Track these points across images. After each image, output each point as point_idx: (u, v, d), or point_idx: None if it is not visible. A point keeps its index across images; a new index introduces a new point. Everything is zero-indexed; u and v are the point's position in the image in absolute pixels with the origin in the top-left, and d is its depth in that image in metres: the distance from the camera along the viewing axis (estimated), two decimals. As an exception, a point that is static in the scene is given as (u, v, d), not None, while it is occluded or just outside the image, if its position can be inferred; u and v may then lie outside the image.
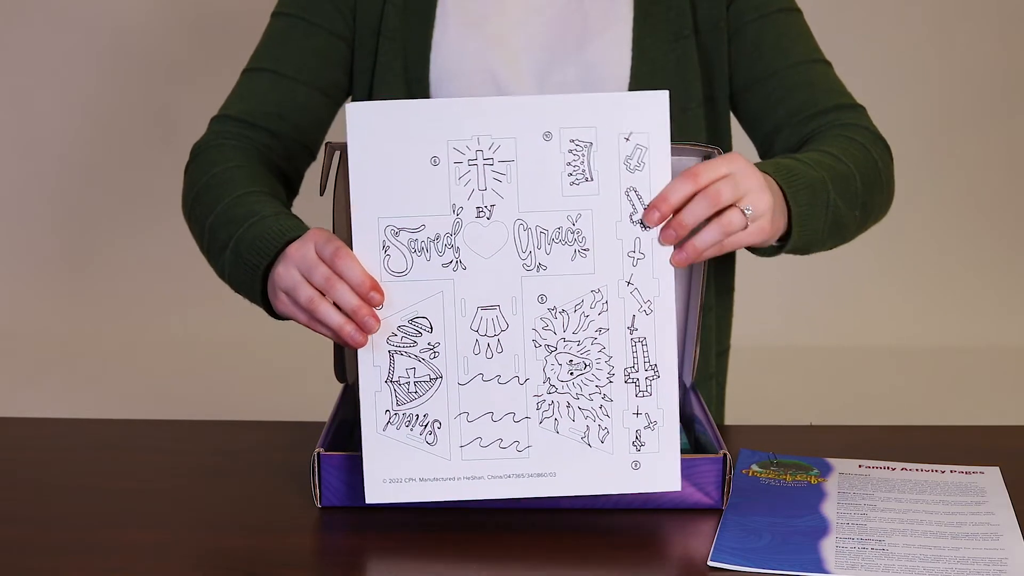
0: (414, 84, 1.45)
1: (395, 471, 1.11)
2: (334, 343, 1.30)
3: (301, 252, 1.15)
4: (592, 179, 1.11)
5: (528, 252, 1.11)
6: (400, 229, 1.11)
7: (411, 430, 1.11)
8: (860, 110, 1.46)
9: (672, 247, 1.11)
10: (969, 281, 3.71)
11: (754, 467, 1.27)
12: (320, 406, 1.38)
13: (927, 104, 3.61)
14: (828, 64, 1.48)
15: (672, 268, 1.12)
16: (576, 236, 1.11)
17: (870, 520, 1.15)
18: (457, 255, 1.11)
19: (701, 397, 1.32)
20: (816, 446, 1.32)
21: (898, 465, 1.28)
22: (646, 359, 1.12)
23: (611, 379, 1.12)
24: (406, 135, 1.11)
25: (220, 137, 1.43)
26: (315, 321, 1.14)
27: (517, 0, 1.47)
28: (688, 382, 1.35)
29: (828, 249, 1.36)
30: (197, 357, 3.51)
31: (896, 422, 1.48)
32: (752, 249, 1.27)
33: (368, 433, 1.12)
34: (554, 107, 1.11)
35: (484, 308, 1.11)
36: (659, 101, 1.11)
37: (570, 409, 1.12)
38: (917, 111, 3.55)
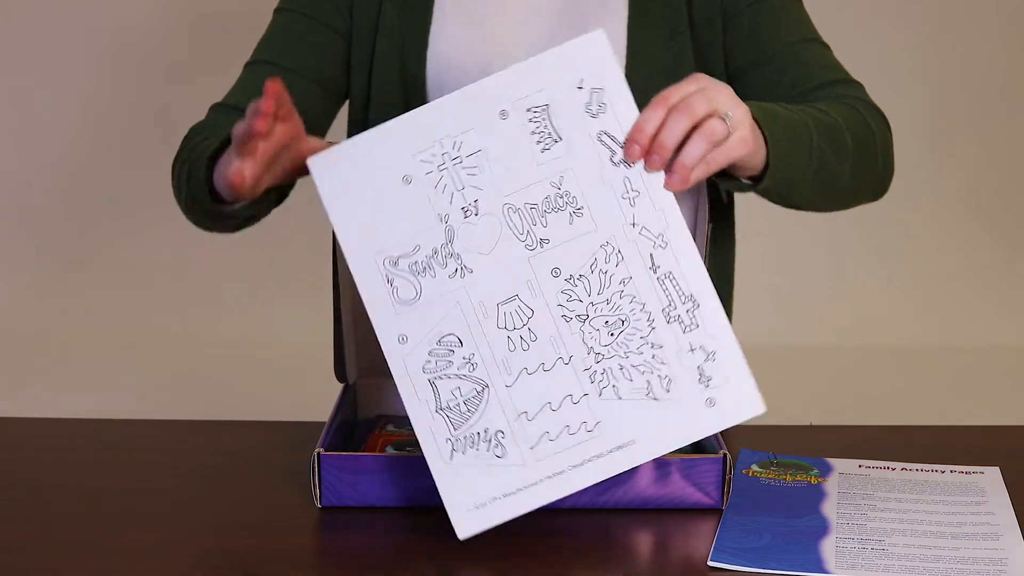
0: (411, 81, 1.46)
1: (476, 497, 1.07)
2: (334, 343, 1.30)
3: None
4: (560, 138, 1.09)
5: (525, 232, 1.10)
6: (397, 257, 1.10)
7: (477, 450, 1.08)
8: (857, 85, 1.43)
9: (663, 174, 1.09)
10: (969, 281, 3.71)
11: (754, 467, 1.27)
12: (320, 406, 1.38)
13: (927, 104, 3.61)
14: (826, 46, 1.46)
15: (672, 195, 1.09)
16: (566, 199, 1.09)
17: (870, 520, 1.15)
18: (459, 262, 1.10)
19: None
20: (816, 446, 1.32)
21: (898, 465, 1.28)
22: (679, 292, 1.08)
23: (653, 325, 1.08)
24: (371, 166, 1.10)
25: (213, 121, 1.45)
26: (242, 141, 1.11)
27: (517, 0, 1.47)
28: None
29: (817, 205, 1.32)
30: (197, 357, 3.50)
31: (896, 422, 1.48)
32: (726, 181, 1.21)
33: (436, 467, 1.08)
34: (499, 85, 1.10)
35: (503, 303, 1.09)
36: (597, 41, 1.10)
37: (624, 371, 1.08)
38: (917, 111, 3.55)
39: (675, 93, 1.09)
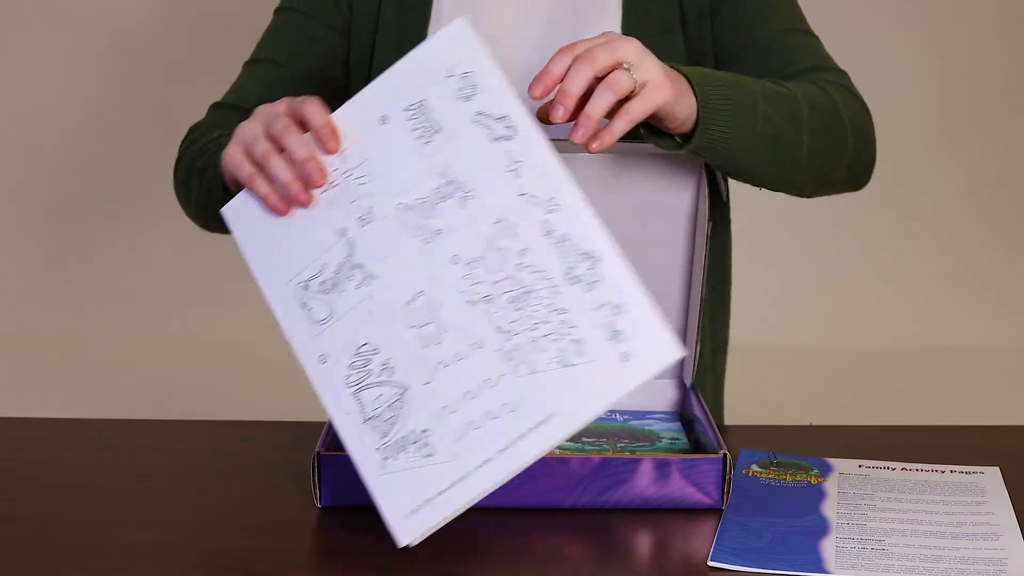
0: None
1: (411, 500, 1.05)
2: None
3: (270, 107, 1.15)
4: (440, 128, 1.10)
5: (420, 227, 1.09)
6: (308, 280, 1.11)
7: (407, 453, 1.07)
8: (842, 73, 1.40)
9: (544, 142, 1.07)
10: (969, 281, 3.71)
11: (754, 467, 1.27)
12: (320, 406, 1.38)
13: (927, 104, 3.61)
14: (815, 37, 1.45)
15: (557, 156, 1.07)
16: (454, 186, 1.09)
17: (870, 520, 1.15)
18: (363, 271, 1.10)
19: (700, 395, 1.32)
20: (816, 446, 1.32)
21: (898, 465, 1.28)
22: (577, 252, 1.05)
23: (556, 291, 1.05)
24: None
25: (214, 120, 1.46)
26: (260, 177, 1.12)
27: (513, -1, 1.47)
28: (688, 382, 1.35)
29: (777, 181, 1.30)
30: (197, 357, 3.51)
31: (896, 422, 1.48)
32: (659, 138, 1.20)
33: (371, 479, 1.07)
34: (374, 93, 1.12)
35: (410, 302, 1.08)
36: (459, 29, 1.10)
37: (535, 343, 1.05)
38: (917, 111, 3.55)
39: (583, 43, 1.09)
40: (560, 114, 1.08)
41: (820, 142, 1.28)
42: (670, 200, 1.35)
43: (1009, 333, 3.65)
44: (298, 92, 1.44)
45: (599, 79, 1.09)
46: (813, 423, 1.45)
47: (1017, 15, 3.64)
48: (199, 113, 1.50)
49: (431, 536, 1.10)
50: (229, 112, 1.46)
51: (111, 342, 3.56)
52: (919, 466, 1.28)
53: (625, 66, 1.09)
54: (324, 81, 1.49)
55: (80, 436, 1.37)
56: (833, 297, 3.68)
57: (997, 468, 1.27)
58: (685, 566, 1.08)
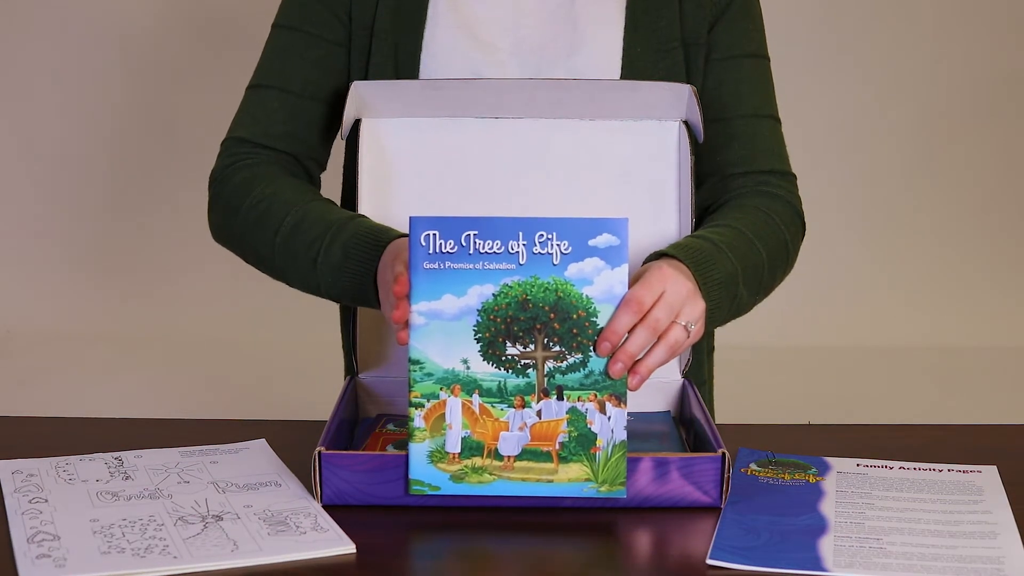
0: None
1: None
2: (351, 339, 1.34)
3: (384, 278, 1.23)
4: None
5: None
6: None
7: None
8: (791, 179, 1.49)
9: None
10: (969, 281, 3.72)
11: (752, 466, 1.27)
12: (320, 406, 1.38)
13: (929, 104, 3.61)
14: (777, 121, 1.51)
15: None
16: None
17: (868, 519, 1.15)
18: None
19: (698, 393, 1.33)
20: (814, 445, 1.33)
21: (896, 464, 1.28)
22: None
23: None
24: None
25: (240, 159, 1.45)
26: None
27: (507, 2, 1.46)
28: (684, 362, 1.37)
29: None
30: (197, 357, 3.51)
31: (894, 421, 1.48)
32: None
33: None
34: None
35: None
36: None
37: None
38: (919, 111, 3.55)
39: (645, 299, 1.14)
40: (619, 369, 1.13)
41: (766, 294, 1.39)
42: (656, 169, 1.39)
43: (1009, 333, 3.66)
44: (310, 120, 1.46)
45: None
46: (811, 422, 1.46)
47: (1018, 15, 3.65)
48: (201, 116, 1.50)
49: (432, 535, 1.11)
50: (255, 150, 1.45)
51: (113, 342, 3.57)
52: (917, 465, 1.28)
53: (684, 324, 1.17)
54: (331, 99, 1.48)
55: (80, 436, 1.38)
56: (832, 297, 3.68)
57: (995, 467, 1.27)
58: (684, 564, 1.08)
